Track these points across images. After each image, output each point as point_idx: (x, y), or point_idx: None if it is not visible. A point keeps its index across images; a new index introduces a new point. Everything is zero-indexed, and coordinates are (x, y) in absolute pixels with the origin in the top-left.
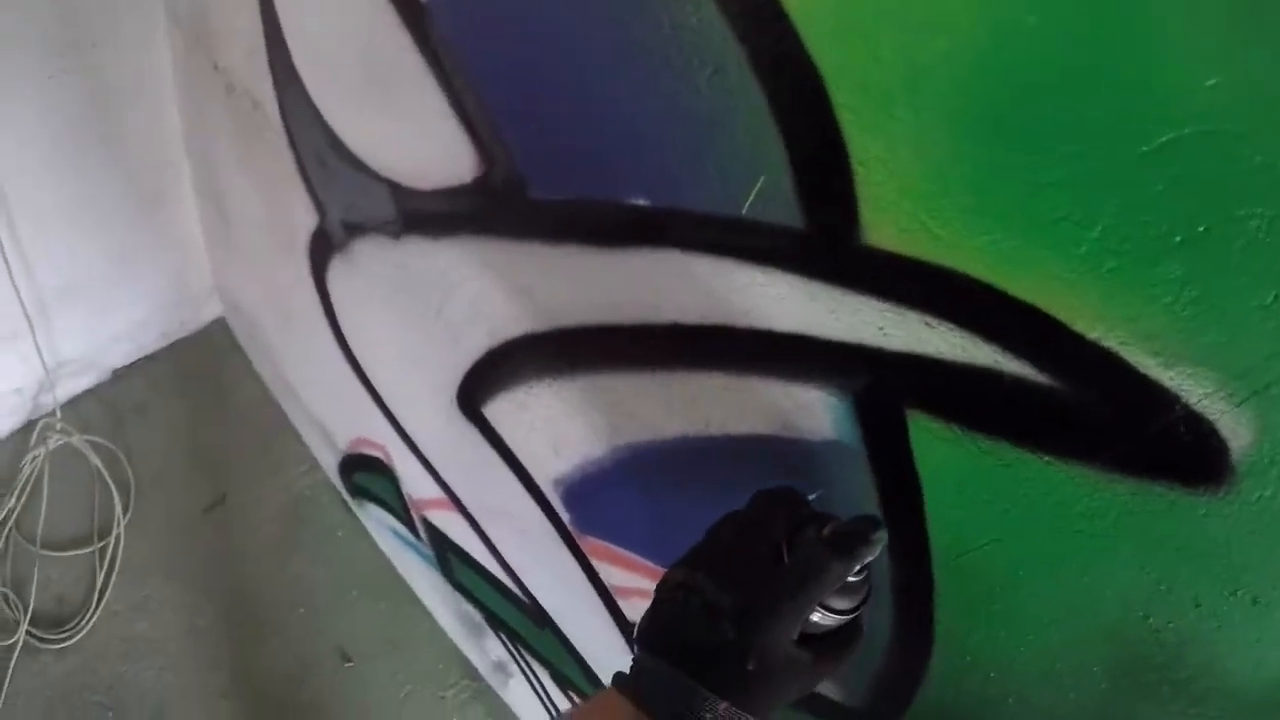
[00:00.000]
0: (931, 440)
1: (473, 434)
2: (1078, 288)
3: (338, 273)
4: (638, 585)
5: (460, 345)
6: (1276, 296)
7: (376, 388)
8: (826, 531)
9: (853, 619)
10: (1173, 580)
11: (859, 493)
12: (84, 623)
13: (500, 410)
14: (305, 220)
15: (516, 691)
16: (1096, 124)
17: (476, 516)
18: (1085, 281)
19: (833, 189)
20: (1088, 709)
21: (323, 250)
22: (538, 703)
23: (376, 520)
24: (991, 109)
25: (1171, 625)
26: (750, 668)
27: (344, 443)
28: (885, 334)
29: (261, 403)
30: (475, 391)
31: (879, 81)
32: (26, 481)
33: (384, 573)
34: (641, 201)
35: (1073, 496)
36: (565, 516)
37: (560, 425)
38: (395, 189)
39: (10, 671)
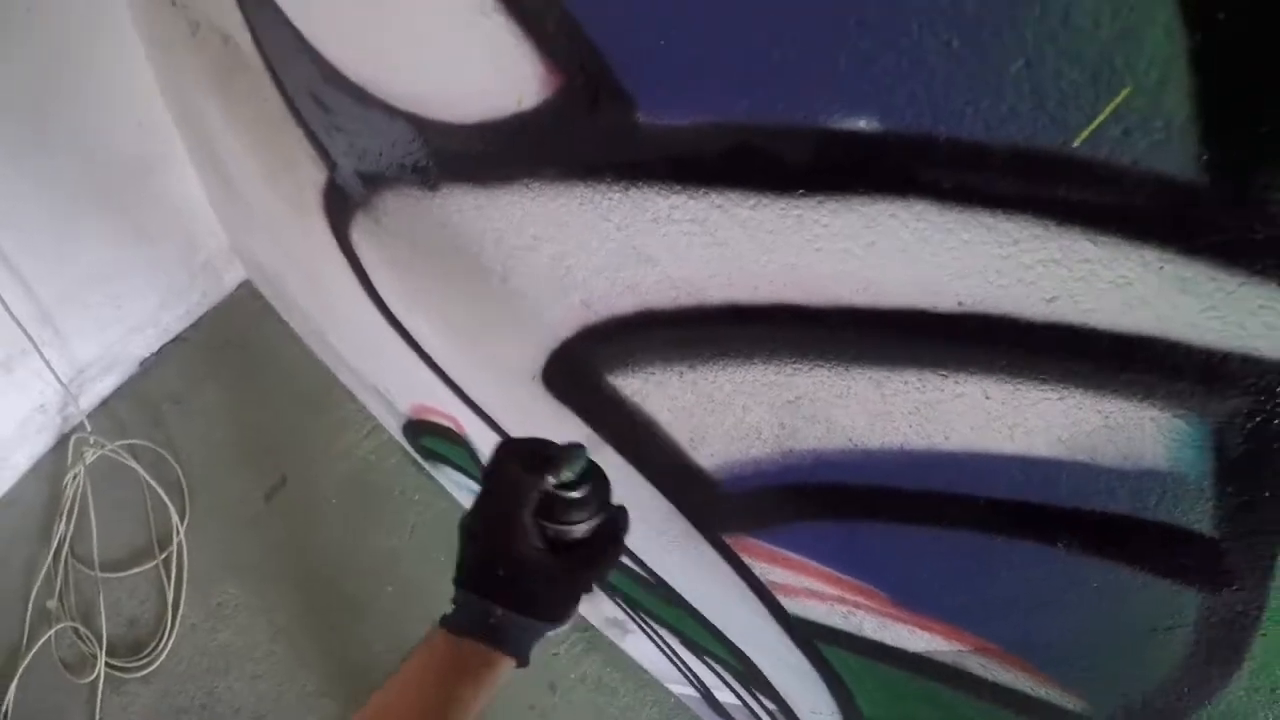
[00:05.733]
0: None
1: (567, 416)
2: None
3: (364, 233)
4: (806, 586)
5: (544, 319)
6: None
7: (432, 357)
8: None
9: (601, 531)
10: None
11: (1196, 521)
12: (163, 643)
13: (607, 394)
14: (312, 175)
15: (635, 643)
16: None
17: None
18: None
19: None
20: None
21: (340, 208)
22: (660, 654)
23: (454, 480)
24: None
25: None
26: (500, 573)
27: (405, 407)
28: None
29: (306, 366)
30: (568, 372)
31: None
32: (71, 503)
33: None
34: (864, 124)
35: None
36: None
37: (699, 419)
38: (420, 125)
39: (99, 709)
